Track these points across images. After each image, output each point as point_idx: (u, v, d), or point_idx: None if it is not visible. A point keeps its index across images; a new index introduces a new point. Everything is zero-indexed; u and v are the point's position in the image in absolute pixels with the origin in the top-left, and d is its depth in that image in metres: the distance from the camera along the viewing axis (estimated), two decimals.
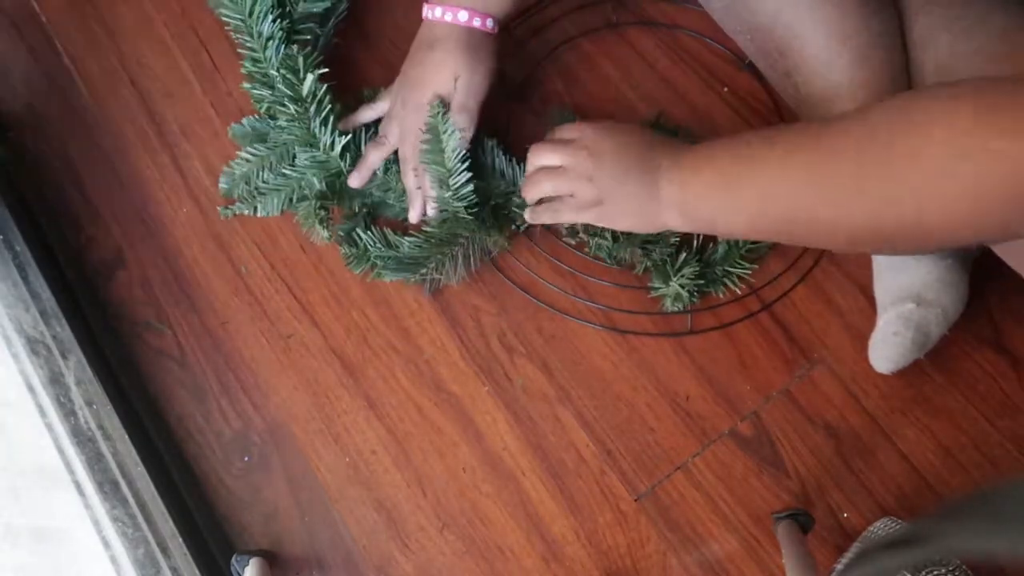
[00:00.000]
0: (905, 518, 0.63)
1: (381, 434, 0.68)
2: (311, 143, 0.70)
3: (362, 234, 0.71)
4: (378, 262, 0.70)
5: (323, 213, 0.70)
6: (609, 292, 0.71)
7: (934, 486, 0.64)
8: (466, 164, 0.66)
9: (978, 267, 0.67)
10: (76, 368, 0.68)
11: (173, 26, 0.82)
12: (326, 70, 0.70)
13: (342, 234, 0.72)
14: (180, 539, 0.64)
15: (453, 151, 0.66)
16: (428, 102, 0.66)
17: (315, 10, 0.75)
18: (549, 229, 0.72)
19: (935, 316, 0.63)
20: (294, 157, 0.72)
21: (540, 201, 0.66)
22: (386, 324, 0.71)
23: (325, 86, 0.69)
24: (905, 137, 0.45)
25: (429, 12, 0.67)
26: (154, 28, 0.82)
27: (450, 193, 0.67)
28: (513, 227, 0.71)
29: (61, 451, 0.66)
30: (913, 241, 0.49)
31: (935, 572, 0.54)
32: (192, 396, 0.70)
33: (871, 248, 0.58)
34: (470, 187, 0.67)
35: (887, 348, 0.64)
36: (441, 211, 0.68)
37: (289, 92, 0.69)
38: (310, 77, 0.69)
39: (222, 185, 0.74)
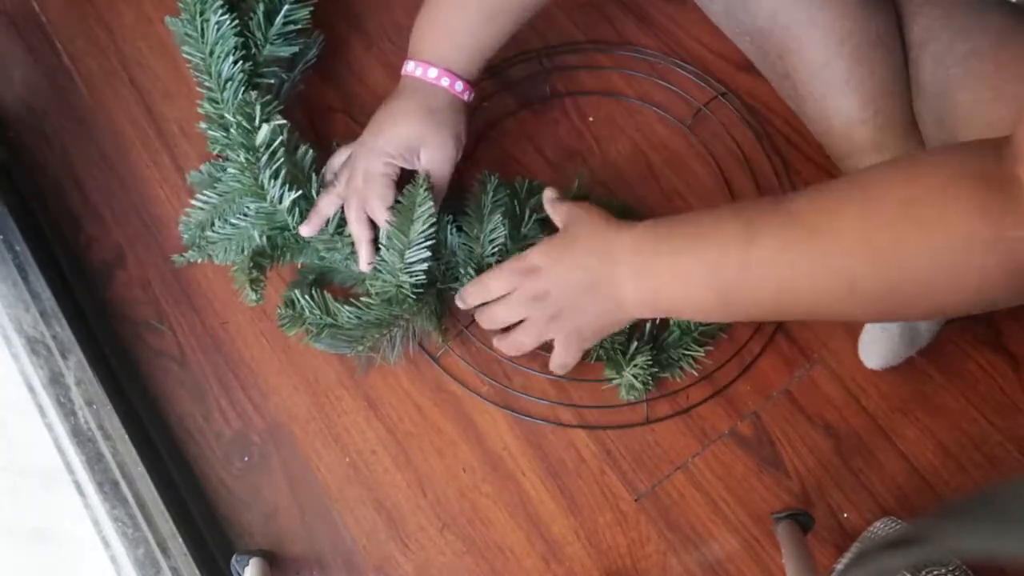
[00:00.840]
0: (905, 518, 0.63)
1: (381, 434, 0.68)
2: (259, 194, 0.66)
3: (300, 297, 0.66)
4: (312, 328, 0.66)
5: (255, 273, 0.65)
6: (560, 384, 0.68)
7: (934, 486, 0.64)
8: (429, 243, 0.63)
9: None
10: (76, 368, 0.68)
11: None
12: (283, 121, 0.66)
13: (282, 295, 0.68)
14: (180, 539, 0.64)
15: (422, 225, 0.63)
16: (385, 149, 0.64)
17: (281, 54, 0.72)
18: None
19: None
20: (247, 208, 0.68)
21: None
22: None
23: (280, 138, 0.65)
24: (910, 224, 0.43)
25: (407, 66, 0.66)
26: (154, 28, 0.83)
27: (401, 265, 0.64)
28: (456, 328, 0.69)
29: (61, 451, 0.66)
30: (921, 313, 0.48)
31: (935, 572, 0.54)
32: (192, 396, 0.70)
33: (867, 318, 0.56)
34: (424, 266, 0.64)
35: (876, 345, 0.64)
36: (382, 280, 0.65)
37: (242, 140, 0.65)
38: (265, 127, 0.65)
39: (182, 233, 0.70)
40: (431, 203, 0.63)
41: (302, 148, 0.68)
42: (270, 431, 0.69)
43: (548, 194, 0.64)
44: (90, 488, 0.65)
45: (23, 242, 0.71)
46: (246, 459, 0.69)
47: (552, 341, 0.62)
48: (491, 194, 0.67)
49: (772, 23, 0.66)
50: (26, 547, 0.66)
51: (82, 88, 0.81)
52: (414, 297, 0.65)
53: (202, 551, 0.65)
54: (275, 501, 0.68)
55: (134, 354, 0.72)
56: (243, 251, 0.68)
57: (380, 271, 0.65)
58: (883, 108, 0.64)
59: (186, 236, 0.70)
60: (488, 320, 0.63)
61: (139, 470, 0.66)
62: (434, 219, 0.63)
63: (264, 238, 0.68)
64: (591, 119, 0.77)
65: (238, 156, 0.66)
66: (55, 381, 0.67)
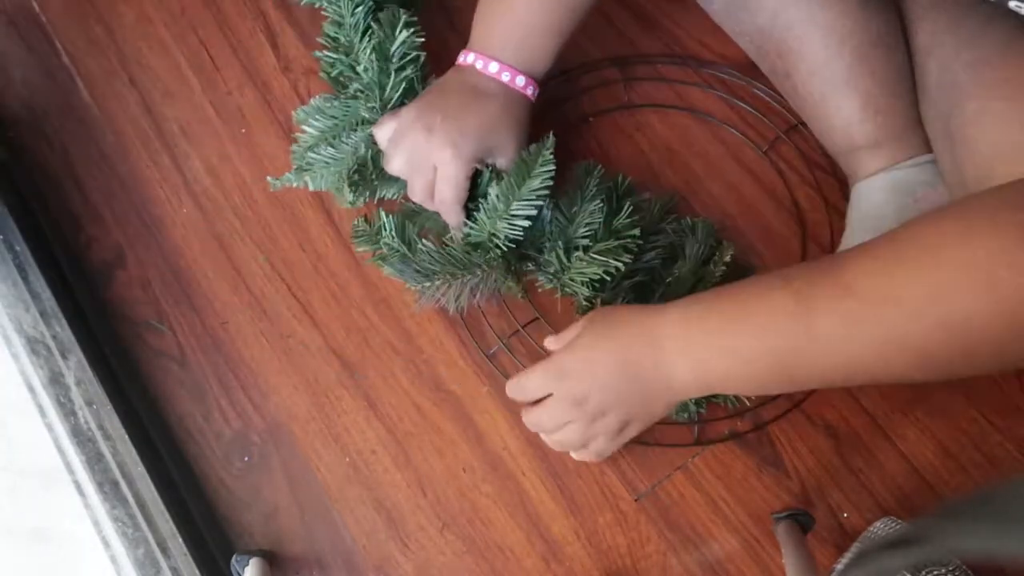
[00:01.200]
0: (905, 518, 0.63)
1: (381, 434, 0.68)
2: (373, 111, 0.68)
3: (385, 216, 0.68)
4: (384, 249, 0.68)
5: (356, 177, 0.67)
6: None
7: (934, 486, 0.64)
8: (539, 202, 0.64)
9: None
10: (76, 368, 0.68)
11: (173, 26, 0.82)
12: (421, 34, 0.68)
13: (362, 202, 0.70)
14: (180, 539, 0.64)
15: (539, 183, 0.63)
16: (466, 154, 0.63)
17: None
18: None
19: None
20: (357, 127, 0.70)
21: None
22: (386, 324, 0.71)
23: (418, 42, 0.67)
24: (973, 286, 0.40)
25: (478, 62, 0.65)
26: (154, 28, 0.82)
27: (504, 214, 0.63)
28: (537, 281, 0.68)
29: (61, 451, 0.66)
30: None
31: (935, 572, 0.54)
32: (192, 396, 0.70)
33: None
34: (526, 223, 0.64)
35: None
36: (477, 227, 0.65)
37: (375, 48, 0.66)
38: (404, 33, 0.66)
39: (293, 162, 0.71)
40: (553, 166, 0.63)
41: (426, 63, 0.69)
42: (270, 431, 0.69)
43: (549, 340, 0.61)
44: (90, 488, 0.65)
45: (23, 242, 0.71)
46: (246, 459, 0.69)
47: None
48: (596, 179, 0.67)
49: (772, 22, 0.66)
50: (26, 547, 0.66)
51: (82, 88, 0.81)
52: (504, 249, 0.64)
53: (202, 551, 0.65)
54: (275, 501, 0.68)
55: (134, 354, 0.72)
56: (343, 176, 0.69)
57: (476, 218, 0.65)
58: (884, 108, 0.64)
59: (296, 165, 0.71)
60: (532, 424, 0.60)
61: (139, 470, 0.65)
62: (551, 181, 0.63)
63: (369, 152, 0.68)
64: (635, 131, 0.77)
65: (370, 61, 0.67)
66: (55, 381, 0.67)
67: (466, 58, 0.66)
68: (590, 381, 0.55)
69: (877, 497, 0.64)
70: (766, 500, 0.65)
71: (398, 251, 0.67)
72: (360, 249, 0.69)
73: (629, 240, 0.64)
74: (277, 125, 0.78)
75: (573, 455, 0.62)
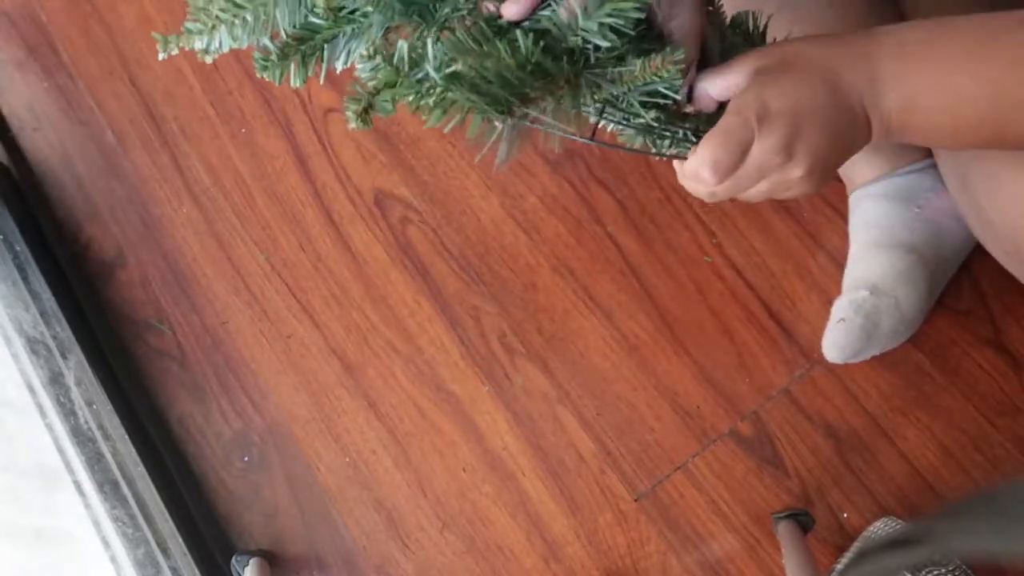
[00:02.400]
0: (905, 518, 0.63)
1: (381, 434, 0.68)
2: None
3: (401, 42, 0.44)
4: (434, 82, 0.44)
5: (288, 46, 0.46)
6: None
7: (934, 486, 0.64)
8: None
9: (978, 268, 0.67)
10: (76, 368, 0.68)
11: (173, 26, 0.82)
12: None
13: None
14: (180, 539, 0.64)
15: None
16: None
17: None
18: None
19: (887, 305, 0.63)
20: None
21: None
22: (386, 324, 0.71)
23: None
24: None
25: None
26: (154, 28, 0.82)
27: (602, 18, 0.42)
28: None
29: (61, 451, 0.66)
30: None
31: (935, 572, 0.54)
32: (192, 396, 0.70)
33: None
34: (627, 22, 0.42)
35: (835, 335, 0.64)
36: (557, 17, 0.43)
37: None
38: None
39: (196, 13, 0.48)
40: None
41: None
42: (270, 431, 0.69)
43: (735, 67, 0.47)
44: (90, 488, 0.65)
45: (23, 242, 0.71)
46: (246, 459, 0.69)
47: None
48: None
49: (776, 20, 0.66)
50: (26, 547, 0.66)
51: (82, 88, 0.81)
52: (588, 59, 0.44)
53: (202, 551, 0.65)
54: (275, 501, 0.68)
55: (134, 354, 0.72)
56: (256, 35, 0.46)
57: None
58: None
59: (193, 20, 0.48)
60: (731, 190, 0.46)
61: (139, 470, 0.66)
62: None
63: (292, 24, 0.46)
64: None
65: None
66: (55, 381, 0.67)
67: None
68: (802, 111, 0.45)
69: (877, 497, 0.64)
70: (766, 500, 0.65)
71: (451, 74, 0.43)
72: (412, 102, 0.44)
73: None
74: (277, 125, 0.78)
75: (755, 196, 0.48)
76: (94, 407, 0.67)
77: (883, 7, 0.65)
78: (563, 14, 0.44)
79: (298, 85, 0.46)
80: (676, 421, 0.67)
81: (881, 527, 0.62)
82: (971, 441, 0.65)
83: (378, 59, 0.46)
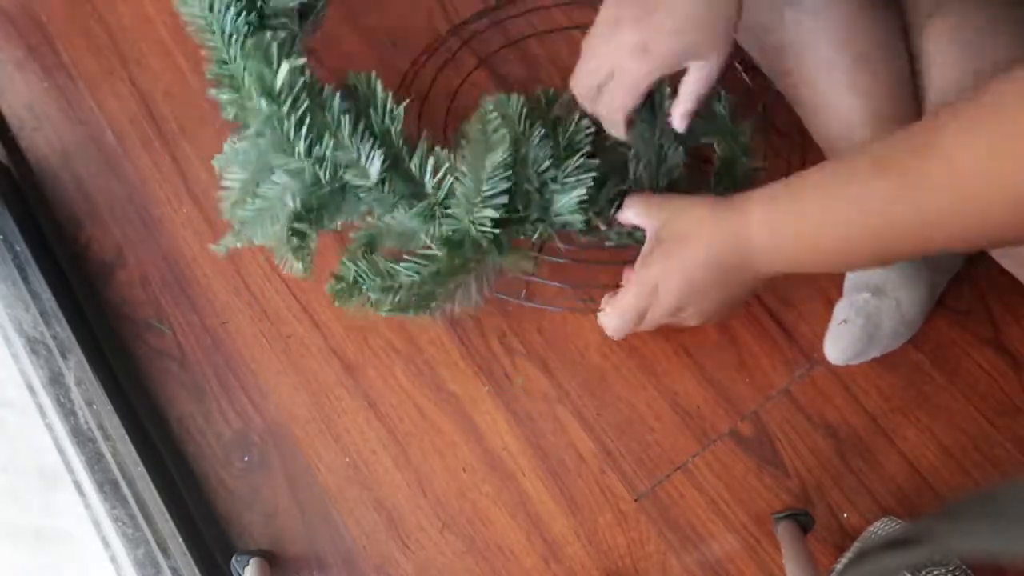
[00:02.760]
0: (905, 518, 0.63)
1: (381, 434, 0.68)
2: (284, 150, 0.59)
3: (350, 263, 0.60)
4: (372, 296, 0.60)
5: (296, 241, 0.59)
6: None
7: (934, 486, 0.64)
8: (509, 170, 0.58)
9: (977, 268, 0.67)
10: (76, 368, 0.68)
11: (173, 26, 0.82)
12: (303, 61, 0.58)
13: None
14: (180, 539, 0.64)
15: (501, 155, 0.57)
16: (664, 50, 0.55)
17: (290, 4, 0.63)
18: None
19: (888, 307, 0.63)
20: (273, 172, 0.61)
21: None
22: (386, 324, 0.71)
23: (302, 79, 0.58)
24: None
25: None
26: (154, 28, 0.82)
27: (481, 205, 0.58)
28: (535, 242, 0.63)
29: (61, 451, 0.66)
30: None
31: (935, 572, 0.54)
32: (192, 396, 0.70)
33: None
34: (503, 200, 0.58)
35: (837, 337, 0.64)
36: (451, 221, 0.59)
37: (260, 85, 0.57)
38: (284, 66, 0.57)
39: (227, 217, 0.63)
40: (505, 129, 0.58)
41: (327, 89, 0.59)
42: (270, 431, 0.69)
43: (631, 203, 0.60)
44: (90, 488, 0.65)
45: (23, 242, 0.71)
46: (246, 459, 0.69)
47: None
48: (519, 105, 0.61)
49: (773, 20, 0.66)
50: (26, 547, 0.66)
51: (82, 88, 0.81)
52: (494, 234, 0.58)
53: (202, 551, 0.65)
54: (275, 501, 0.68)
55: (134, 354, 0.72)
56: (279, 221, 0.61)
57: (450, 212, 0.59)
58: (884, 112, 0.64)
59: (231, 220, 0.63)
60: (621, 331, 0.62)
61: (139, 470, 0.66)
62: (509, 148, 0.58)
63: (297, 201, 0.60)
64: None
65: (258, 105, 0.57)
66: (55, 381, 0.67)
67: None
68: (687, 291, 0.56)
69: (877, 497, 0.64)
70: (766, 500, 0.65)
71: (384, 288, 0.60)
72: (349, 307, 0.62)
73: (585, 145, 0.61)
74: None
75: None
76: (94, 407, 0.67)
77: (886, 7, 0.65)
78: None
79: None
80: (676, 421, 0.67)
81: (881, 527, 0.62)
82: (971, 441, 0.65)
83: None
